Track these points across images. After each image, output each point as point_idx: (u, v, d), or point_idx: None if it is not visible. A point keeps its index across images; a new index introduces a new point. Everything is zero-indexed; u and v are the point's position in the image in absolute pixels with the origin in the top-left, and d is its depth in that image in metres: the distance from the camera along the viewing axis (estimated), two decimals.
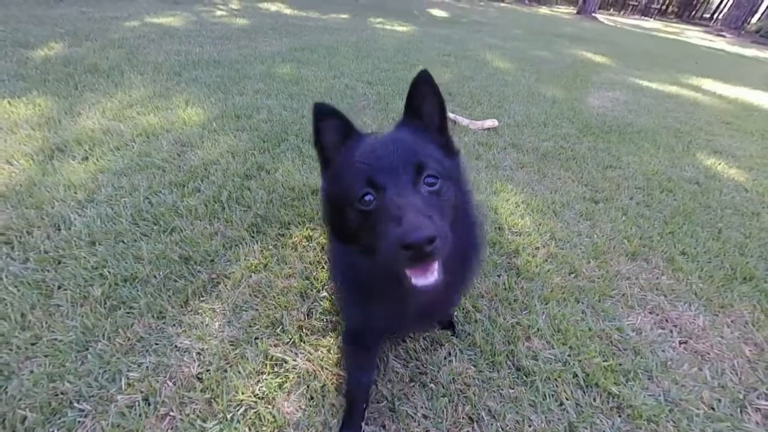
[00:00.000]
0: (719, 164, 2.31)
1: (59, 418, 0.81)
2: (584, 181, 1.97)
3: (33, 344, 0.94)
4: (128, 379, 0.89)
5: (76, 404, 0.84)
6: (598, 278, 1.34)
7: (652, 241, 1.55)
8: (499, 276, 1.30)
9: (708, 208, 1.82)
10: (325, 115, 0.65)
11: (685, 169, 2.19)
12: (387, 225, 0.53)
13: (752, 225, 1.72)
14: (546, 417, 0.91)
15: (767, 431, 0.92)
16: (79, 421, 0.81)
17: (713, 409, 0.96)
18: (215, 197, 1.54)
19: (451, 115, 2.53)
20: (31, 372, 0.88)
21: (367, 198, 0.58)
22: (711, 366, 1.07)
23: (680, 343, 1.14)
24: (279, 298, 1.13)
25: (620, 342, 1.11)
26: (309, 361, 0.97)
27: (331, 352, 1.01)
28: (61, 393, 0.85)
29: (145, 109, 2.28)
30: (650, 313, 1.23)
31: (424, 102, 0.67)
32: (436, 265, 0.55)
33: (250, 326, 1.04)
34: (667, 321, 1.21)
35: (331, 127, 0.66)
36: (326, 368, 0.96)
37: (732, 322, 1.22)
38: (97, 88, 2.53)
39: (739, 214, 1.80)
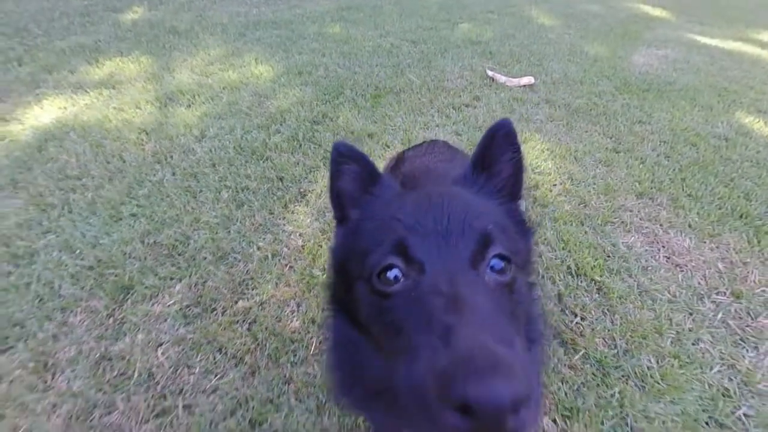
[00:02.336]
0: (757, 122, 2.35)
1: (224, 260, 1.30)
2: (610, 134, 2.15)
3: (196, 222, 1.44)
4: (258, 245, 1.37)
5: (230, 254, 1.32)
6: (604, 209, 1.62)
7: (662, 184, 1.77)
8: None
9: (728, 161, 1.96)
10: (346, 158, 0.52)
11: (717, 126, 2.27)
12: (422, 332, 0.33)
13: (767, 174, 1.86)
14: (542, 290, 1.27)
15: (721, 316, 1.22)
16: (233, 262, 1.30)
17: (675, 296, 1.27)
18: (293, 136, 1.95)
19: (489, 72, 2.71)
20: (199, 238, 1.38)
21: (390, 274, 0.39)
22: (684, 273, 1.36)
23: (664, 257, 1.43)
24: None
25: (612, 252, 1.42)
26: None
27: None
28: (221, 249, 1.34)
29: (224, 66, 2.70)
30: (644, 236, 1.51)
31: (500, 158, 0.52)
32: None
33: (330, 221, 1.48)
34: (657, 242, 1.49)
35: (352, 174, 0.53)
36: None
37: (716, 247, 1.48)
38: (180, 48, 2.97)
39: (758, 166, 1.93)
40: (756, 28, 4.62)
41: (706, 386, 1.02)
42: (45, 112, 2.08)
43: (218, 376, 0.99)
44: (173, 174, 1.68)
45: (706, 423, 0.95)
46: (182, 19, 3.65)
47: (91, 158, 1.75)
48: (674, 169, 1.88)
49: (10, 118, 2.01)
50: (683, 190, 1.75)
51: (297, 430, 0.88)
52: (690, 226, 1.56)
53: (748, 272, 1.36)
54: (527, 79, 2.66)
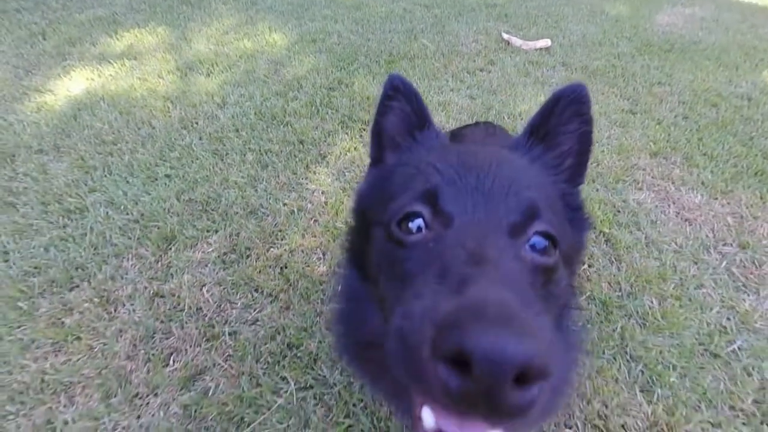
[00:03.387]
0: None
1: (254, 215, 1.41)
2: (627, 95, 2.12)
3: (225, 181, 1.54)
4: (284, 202, 1.46)
5: (259, 209, 1.43)
6: (617, 168, 1.64)
7: (677, 144, 1.77)
8: None
9: (748, 120, 1.93)
10: (398, 94, 0.47)
11: (740, 86, 2.21)
12: (431, 283, 0.29)
13: None
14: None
15: (725, 264, 1.28)
16: (263, 216, 1.40)
17: (682, 247, 1.32)
18: (311, 102, 2.00)
19: (504, 36, 2.65)
20: (229, 195, 1.49)
21: (413, 224, 0.35)
22: (693, 227, 1.41)
23: (674, 212, 1.47)
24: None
25: (622, 207, 1.47)
26: None
27: None
28: (250, 205, 1.45)
29: (238, 35, 2.72)
30: (655, 193, 1.55)
31: (563, 129, 0.44)
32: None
33: (351, 181, 1.56)
34: (668, 199, 1.52)
35: (401, 112, 0.48)
36: None
37: (727, 203, 1.50)
38: (195, 18, 2.99)
39: None
40: None
41: (705, 324, 1.10)
42: (74, 83, 2.18)
43: (257, 310, 1.12)
44: (200, 138, 1.77)
45: (701, 354, 1.03)
46: None
47: (122, 125, 1.85)
48: (691, 130, 1.87)
49: (43, 89, 2.11)
50: (699, 149, 1.75)
51: (328, 353, 1.01)
52: (703, 183, 1.58)
53: (757, 226, 1.40)
54: (543, 42, 2.59)
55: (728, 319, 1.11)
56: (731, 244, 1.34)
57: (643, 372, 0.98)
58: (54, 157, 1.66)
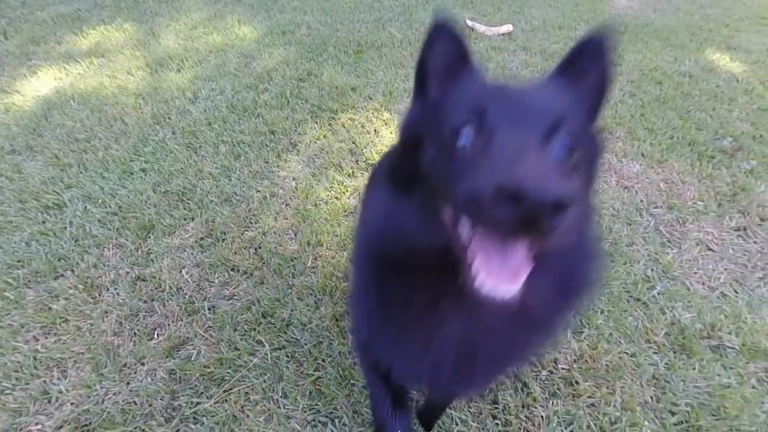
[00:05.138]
0: (724, 59, 2.45)
1: (228, 202, 1.49)
2: None
3: (200, 172, 1.62)
4: (257, 189, 1.55)
5: (233, 197, 1.51)
6: None
7: (622, 119, 1.92)
8: None
9: (687, 95, 2.10)
10: (443, 36, 0.50)
11: (684, 64, 2.37)
12: (485, 166, 0.37)
13: (722, 107, 2.01)
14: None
15: (654, 224, 1.44)
16: (237, 203, 1.49)
17: (618, 211, 1.48)
18: (281, 94, 2.07)
19: (469, 23, 2.75)
20: (204, 185, 1.56)
21: (464, 131, 0.41)
22: (630, 193, 1.56)
23: (615, 182, 1.62)
24: (336, 153, 1.72)
25: None
26: (358, 183, 1.58)
27: None
28: (225, 193, 1.53)
29: (207, 30, 2.73)
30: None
31: (588, 70, 0.50)
32: (526, 264, 0.37)
33: (321, 167, 1.65)
34: (610, 170, 1.67)
35: (446, 50, 0.51)
36: None
37: (662, 170, 1.66)
38: (162, 14, 2.97)
39: (714, 99, 2.07)
40: None
41: (632, 276, 1.26)
42: (42, 83, 2.18)
43: (234, 287, 1.22)
44: (173, 133, 1.83)
45: (626, 300, 1.19)
46: None
47: (95, 123, 1.88)
48: (636, 106, 2.02)
49: (10, 90, 2.11)
50: (642, 124, 1.91)
51: (300, 319, 1.12)
52: (642, 154, 1.74)
53: (685, 189, 1.57)
54: (506, 28, 2.70)
55: (652, 270, 1.28)
56: (661, 207, 1.50)
57: (574, 316, 1.13)
58: (27, 157, 1.70)
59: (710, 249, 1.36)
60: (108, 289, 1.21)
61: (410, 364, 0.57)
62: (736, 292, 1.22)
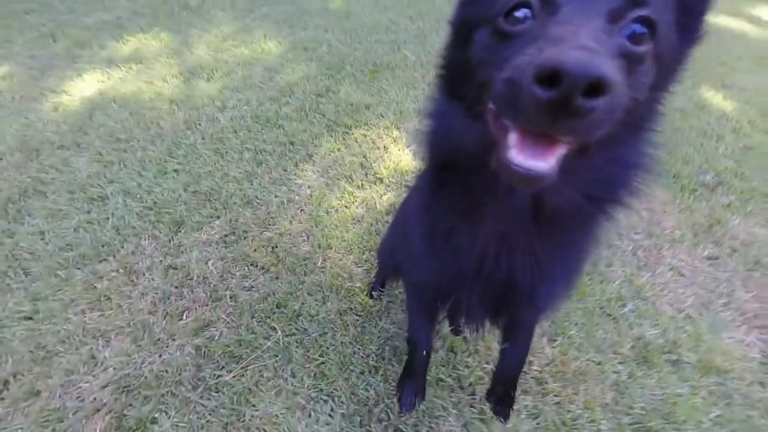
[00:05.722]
0: (717, 96, 2.59)
1: (250, 205, 1.67)
2: None
3: (225, 176, 1.80)
4: (276, 194, 1.73)
5: (254, 200, 1.69)
6: None
7: None
8: None
9: (677, 130, 2.24)
10: None
11: (678, 100, 2.52)
12: (532, 48, 0.33)
13: (709, 144, 2.15)
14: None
15: (633, 248, 1.58)
16: (257, 206, 1.67)
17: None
18: (301, 107, 2.26)
19: None
20: (229, 188, 1.75)
21: (520, 13, 0.38)
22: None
23: None
24: (348, 166, 1.89)
25: None
26: (366, 195, 1.75)
27: (381, 196, 1.77)
28: (247, 196, 1.71)
29: (236, 42, 2.96)
30: None
31: None
32: (561, 148, 0.35)
33: (333, 178, 1.83)
34: None
35: None
36: (374, 199, 1.74)
37: (646, 199, 1.80)
38: (195, 25, 3.22)
39: (704, 135, 2.21)
40: (752, 1, 4.64)
41: (607, 294, 1.40)
42: (87, 85, 2.41)
43: (252, 280, 1.39)
44: (203, 138, 2.03)
45: (599, 315, 1.33)
46: None
47: (133, 125, 2.09)
48: None
49: (59, 90, 2.34)
50: None
51: (308, 311, 1.29)
52: None
53: (665, 218, 1.71)
54: None
55: (626, 290, 1.42)
56: (641, 233, 1.64)
57: (551, 326, 1.27)
58: (75, 152, 1.90)
59: (682, 274, 1.49)
60: (144, 274, 1.39)
61: (454, 269, 0.58)
62: (701, 314, 1.35)
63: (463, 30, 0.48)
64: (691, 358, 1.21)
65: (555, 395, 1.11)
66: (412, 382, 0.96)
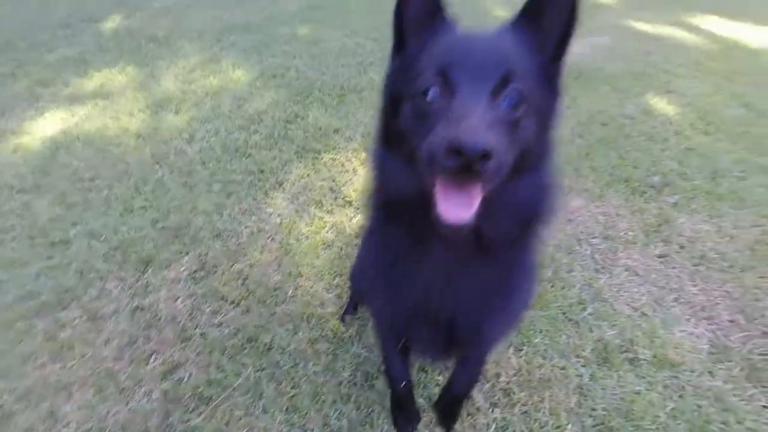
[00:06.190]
0: (661, 102, 2.80)
1: (220, 237, 1.68)
2: None
3: (194, 209, 1.81)
4: (246, 225, 1.74)
5: (224, 232, 1.70)
6: None
7: (571, 158, 2.20)
8: None
9: (628, 136, 2.40)
10: None
11: (627, 107, 2.71)
12: (443, 124, 0.45)
13: (655, 147, 2.31)
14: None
15: (591, 252, 1.67)
16: (227, 238, 1.67)
17: (561, 242, 1.71)
18: (270, 135, 2.30)
19: None
20: (198, 221, 1.75)
21: (431, 91, 0.50)
22: (573, 225, 1.80)
23: (561, 215, 1.87)
24: (318, 191, 1.93)
25: None
26: (336, 219, 1.79)
27: (351, 219, 1.81)
28: (216, 228, 1.71)
29: (204, 72, 3.00)
30: None
31: (552, 13, 0.53)
32: (476, 197, 0.47)
33: (303, 204, 1.86)
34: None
35: (419, 3, 0.56)
36: (344, 223, 1.77)
37: (601, 204, 1.92)
38: (162, 57, 3.24)
39: (650, 140, 2.38)
40: (692, 11, 5.06)
41: (568, 299, 1.47)
42: (49, 124, 2.37)
43: (222, 315, 1.38)
44: (171, 172, 2.03)
45: (562, 320, 1.39)
46: (160, 25, 3.87)
47: (99, 162, 2.07)
48: (583, 146, 2.31)
49: (19, 131, 2.30)
50: (587, 162, 2.18)
51: (280, 343, 1.29)
52: (586, 190, 2.00)
53: (619, 221, 1.82)
54: None
55: (586, 293, 1.49)
56: (598, 237, 1.74)
57: (517, 336, 1.32)
58: (35, 195, 1.87)
59: (636, 274, 1.59)
60: (110, 319, 1.36)
61: (404, 306, 0.67)
62: (654, 311, 1.44)
63: (392, 101, 0.59)
64: (646, 355, 1.28)
65: (522, 404, 1.15)
66: (402, 412, 1.01)
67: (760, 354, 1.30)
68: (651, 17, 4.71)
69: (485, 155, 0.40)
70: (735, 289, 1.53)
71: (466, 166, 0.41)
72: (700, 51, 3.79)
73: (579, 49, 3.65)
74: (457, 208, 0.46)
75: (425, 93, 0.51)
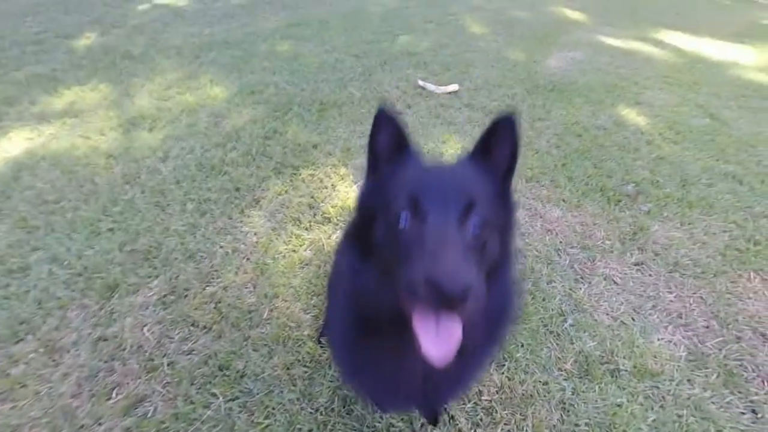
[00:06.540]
0: (632, 113, 2.91)
1: (192, 259, 1.61)
2: None
3: (166, 230, 1.74)
4: (220, 245, 1.69)
5: (197, 254, 1.64)
6: None
7: (547, 169, 2.24)
8: None
9: (601, 147, 2.47)
10: (386, 122, 0.63)
11: (600, 118, 2.80)
12: (418, 254, 0.49)
13: (628, 157, 2.38)
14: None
15: (569, 262, 1.68)
16: (200, 260, 1.61)
17: (540, 252, 1.72)
18: (247, 152, 2.26)
19: (420, 83, 3.13)
20: (170, 243, 1.68)
21: (402, 216, 0.54)
22: (551, 235, 1.82)
23: (540, 226, 1.88)
24: (296, 208, 1.90)
25: None
26: (314, 236, 1.75)
27: (330, 236, 1.77)
28: (189, 250, 1.65)
29: (181, 89, 2.95)
30: (527, 211, 1.96)
31: (500, 145, 0.62)
32: (457, 331, 0.51)
33: (281, 221, 1.82)
34: (536, 215, 1.94)
35: (389, 135, 0.63)
36: (323, 240, 1.74)
37: (578, 214, 1.95)
38: (138, 74, 3.18)
39: (623, 150, 2.46)
40: (657, 27, 5.36)
41: (549, 311, 1.46)
42: (13, 144, 2.27)
43: (193, 341, 1.31)
44: (142, 192, 1.96)
45: (543, 333, 1.38)
46: (136, 42, 3.82)
47: (65, 183, 1.99)
48: (559, 157, 2.36)
49: None
50: (563, 173, 2.23)
51: (253, 369, 1.23)
52: (563, 200, 2.03)
53: (596, 230, 1.84)
54: (453, 87, 3.10)
55: (566, 304, 1.49)
56: (576, 246, 1.76)
57: (499, 352, 1.30)
58: None
59: (615, 282, 1.60)
60: (69, 351, 1.27)
61: (385, 395, 0.74)
62: (633, 320, 1.45)
63: (366, 216, 0.64)
64: (627, 365, 1.28)
65: (505, 423, 1.12)
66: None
67: (735, 359, 1.31)
68: (620, 33, 4.96)
69: (466, 292, 0.44)
70: (708, 294, 1.56)
71: (446, 301, 0.44)
72: (666, 64, 4.00)
73: (555, 63, 3.80)
74: (440, 345, 0.50)
75: (397, 217, 0.55)
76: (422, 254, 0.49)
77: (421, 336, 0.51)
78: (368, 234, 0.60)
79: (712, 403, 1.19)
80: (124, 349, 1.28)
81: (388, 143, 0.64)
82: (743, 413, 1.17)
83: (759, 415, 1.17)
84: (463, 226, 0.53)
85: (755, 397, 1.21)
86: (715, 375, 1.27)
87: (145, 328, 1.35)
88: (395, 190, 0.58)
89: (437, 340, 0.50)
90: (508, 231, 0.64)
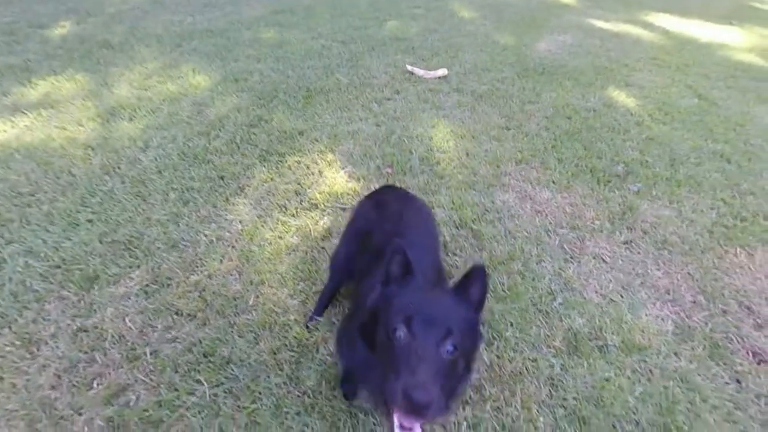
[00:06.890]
0: (622, 95, 2.90)
1: (176, 248, 1.57)
2: (504, 114, 2.59)
3: (148, 220, 1.69)
4: (204, 233, 1.64)
5: (181, 243, 1.59)
6: (490, 175, 2.04)
7: (537, 151, 2.23)
8: (422, 174, 2.00)
9: (591, 128, 2.46)
10: (399, 254, 0.83)
11: (590, 101, 2.79)
12: (403, 366, 0.65)
13: (618, 138, 2.37)
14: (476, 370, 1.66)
15: (559, 242, 1.67)
16: (184, 248, 1.57)
17: (530, 233, 1.71)
18: (232, 140, 2.20)
19: (408, 68, 3.07)
20: (152, 233, 1.63)
21: (397, 333, 0.70)
22: (541, 217, 1.81)
23: (530, 207, 1.87)
24: (282, 194, 1.85)
25: (489, 207, 1.84)
26: (301, 222, 1.72)
27: (317, 222, 1.74)
28: (172, 239, 1.60)
29: (162, 78, 2.86)
30: (516, 193, 1.95)
31: (473, 287, 0.81)
32: (420, 426, 0.73)
33: (267, 209, 1.78)
34: (526, 197, 1.93)
35: (400, 262, 0.83)
36: (309, 226, 1.71)
37: (568, 195, 1.94)
38: (116, 63, 3.07)
39: (612, 131, 2.45)
40: (646, 10, 5.34)
41: (538, 290, 1.45)
42: None
43: (177, 330, 1.28)
44: (123, 182, 1.89)
45: (533, 312, 1.38)
46: (115, 31, 3.69)
47: (41, 175, 1.91)
48: (549, 139, 2.34)
49: None
50: (553, 154, 2.21)
51: (239, 355, 1.20)
52: (553, 182, 2.02)
53: (586, 210, 1.84)
54: (441, 71, 3.05)
55: (556, 283, 1.49)
56: (566, 227, 1.75)
57: (488, 331, 1.29)
58: None
59: (604, 261, 1.60)
60: (47, 343, 1.23)
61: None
62: (621, 296, 1.45)
63: (373, 317, 0.81)
64: (615, 341, 1.28)
65: (494, 400, 1.11)
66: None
67: (721, 332, 1.32)
68: (609, 16, 4.93)
69: (426, 407, 0.61)
70: (696, 270, 1.56)
71: (414, 410, 0.62)
72: (655, 46, 3.98)
73: (545, 46, 3.76)
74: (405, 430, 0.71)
75: (395, 329, 0.71)
76: (407, 365, 0.65)
77: (395, 422, 0.71)
78: (373, 331, 0.78)
79: (698, 374, 1.20)
80: (105, 340, 1.24)
81: (399, 270, 0.83)
82: (728, 383, 1.18)
83: (743, 385, 1.18)
84: (440, 347, 0.70)
85: (739, 368, 1.22)
86: (701, 348, 1.28)
87: (127, 318, 1.31)
88: (398, 306, 0.75)
89: (406, 428, 0.71)
90: (473, 357, 0.82)
